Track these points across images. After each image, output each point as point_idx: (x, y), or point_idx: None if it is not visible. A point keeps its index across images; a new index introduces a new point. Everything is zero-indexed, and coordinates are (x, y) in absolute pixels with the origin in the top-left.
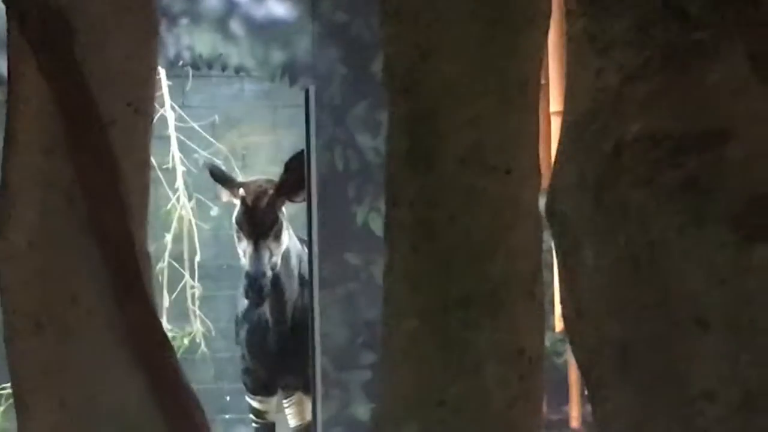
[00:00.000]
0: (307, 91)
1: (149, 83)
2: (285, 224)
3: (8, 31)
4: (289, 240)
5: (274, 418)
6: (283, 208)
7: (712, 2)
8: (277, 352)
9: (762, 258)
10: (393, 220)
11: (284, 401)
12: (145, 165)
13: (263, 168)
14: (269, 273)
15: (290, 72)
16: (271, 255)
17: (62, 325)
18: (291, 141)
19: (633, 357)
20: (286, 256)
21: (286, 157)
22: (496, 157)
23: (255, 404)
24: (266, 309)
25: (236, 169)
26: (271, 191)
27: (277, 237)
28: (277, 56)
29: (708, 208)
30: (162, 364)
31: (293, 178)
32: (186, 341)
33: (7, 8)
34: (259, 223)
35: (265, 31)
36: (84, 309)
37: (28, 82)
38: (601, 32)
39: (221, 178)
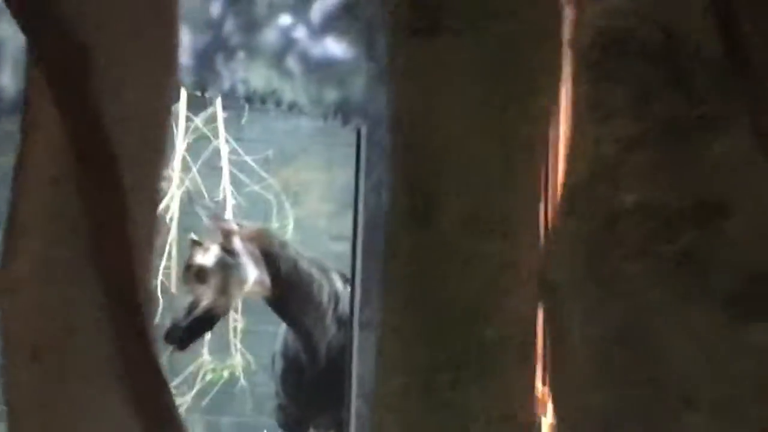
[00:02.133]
0: (359, 131)
1: (164, 121)
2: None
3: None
4: (327, 279)
5: None
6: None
7: (718, 76)
8: (311, 391)
9: (754, 339)
10: (388, 273)
11: None
12: (155, 203)
13: (315, 206)
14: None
15: (343, 111)
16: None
17: (59, 358)
18: (345, 180)
19: (615, 431)
20: (336, 298)
21: (339, 195)
22: (496, 221)
23: None
24: (301, 348)
25: (286, 206)
26: None
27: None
28: (331, 95)
29: (701, 285)
30: (158, 405)
31: None
32: (226, 374)
33: (27, 39)
34: None
35: (320, 69)
36: (82, 343)
37: (42, 112)
38: (601, 101)
39: None
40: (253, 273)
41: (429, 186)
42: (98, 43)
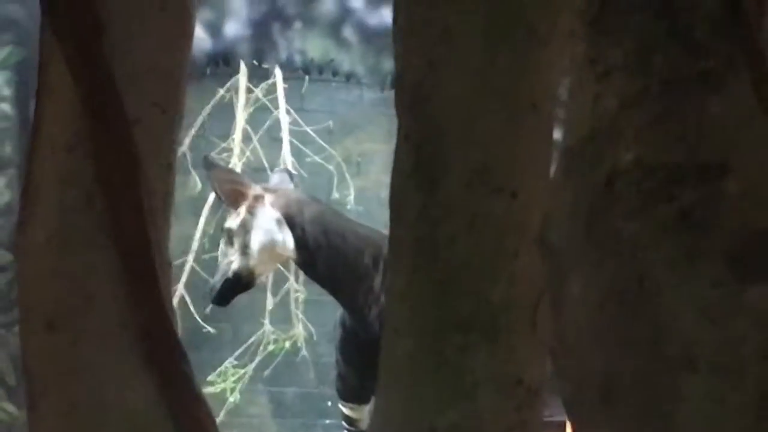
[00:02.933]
0: None
1: (178, 84)
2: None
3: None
4: (376, 248)
5: (365, 427)
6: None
7: (720, 28)
8: (370, 360)
9: (755, 298)
10: (395, 237)
11: None
12: (170, 168)
13: (376, 176)
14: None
15: None
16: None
17: (75, 325)
18: None
19: (617, 393)
20: (361, 263)
21: None
22: (503, 180)
23: (346, 411)
24: (358, 315)
25: (347, 177)
26: None
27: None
28: (388, 64)
29: (701, 244)
30: (174, 373)
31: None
32: (288, 344)
33: (40, 2)
34: None
35: (377, 38)
36: (98, 310)
37: (55, 76)
38: (601, 56)
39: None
40: (273, 235)
41: (433, 146)
42: (110, 3)
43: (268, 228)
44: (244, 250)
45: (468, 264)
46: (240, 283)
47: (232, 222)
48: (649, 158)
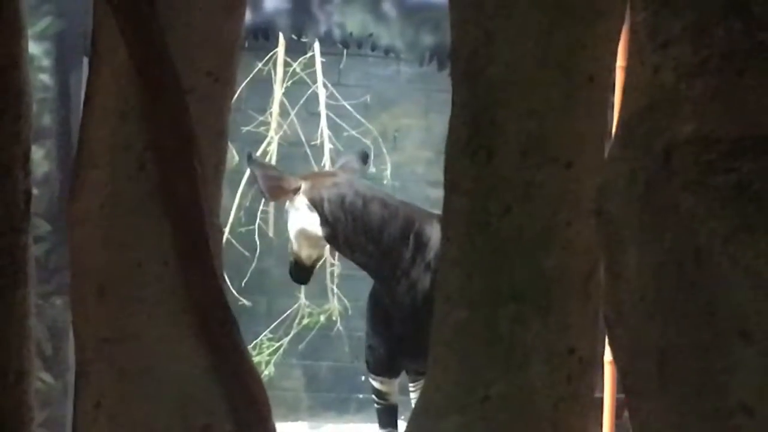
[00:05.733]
0: None
1: (232, 53)
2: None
3: None
4: (430, 227)
5: (396, 401)
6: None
7: None
8: (401, 334)
9: None
10: (450, 207)
11: (410, 385)
12: (222, 136)
13: (413, 152)
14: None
15: (439, 56)
16: None
17: (126, 291)
18: (442, 126)
19: (671, 364)
20: (417, 240)
21: (437, 142)
22: (557, 150)
23: (376, 385)
24: (387, 289)
25: (384, 151)
26: None
27: None
28: (427, 39)
29: (759, 216)
30: (224, 340)
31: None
32: (323, 318)
33: None
34: None
35: (416, 13)
36: (149, 276)
37: (109, 44)
38: (660, 28)
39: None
40: (303, 221)
41: (489, 116)
42: None
43: (299, 215)
44: (292, 237)
45: (521, 234)
46: (299, 267)
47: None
48: (708, 130)
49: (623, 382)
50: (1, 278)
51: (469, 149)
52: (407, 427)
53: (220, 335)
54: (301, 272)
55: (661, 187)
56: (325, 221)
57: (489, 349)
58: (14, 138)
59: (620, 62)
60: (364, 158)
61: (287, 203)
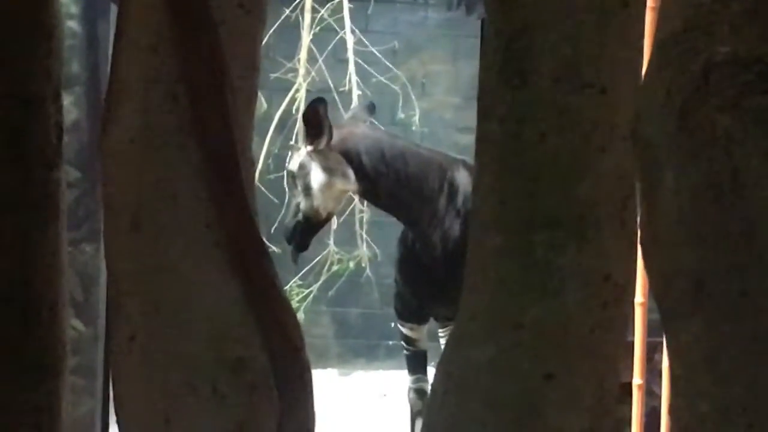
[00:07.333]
0: (482, 21)
1: None
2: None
3: None
4: (458, 173)
5: (425, 347)
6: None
7: None
8: (429, 280)
9: None
10: (483, 134)
11: (440, 331)
12: (254, 69)
13: (441, 98)
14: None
15: (467, 1)
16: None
17: (159, 224)
18: (470, 72)
19: (708, 287)
20: (450, 188)
21: (465, 88)
22: (592, 76)
23: (405, 331)
24: (421, 237)
25: (412, 97)
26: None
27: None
28: None
29: None
30: (258, 272)
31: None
32: (352, 265)
33: None
34: None
35: None
36: (182, 209)
37: None
38: None
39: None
40: (331, 174)
41: (523, 41)
42: None
43: (325, 167)
44: (307, 191)
45: (556, 160)
46: (310, 223)
47: (293, 164)
48: (745, 51)
49: (659, 307)
50: (34, 212)
51: (503, 75)
52: (442, 356)
53: (254, 267)
54: (310, 231)
55: (698, 109)
56: (365, 176)
57: (524, 275)
58: (45, 73)
59: (650, 3)
60: (371, 109)
61: (308, 155)
